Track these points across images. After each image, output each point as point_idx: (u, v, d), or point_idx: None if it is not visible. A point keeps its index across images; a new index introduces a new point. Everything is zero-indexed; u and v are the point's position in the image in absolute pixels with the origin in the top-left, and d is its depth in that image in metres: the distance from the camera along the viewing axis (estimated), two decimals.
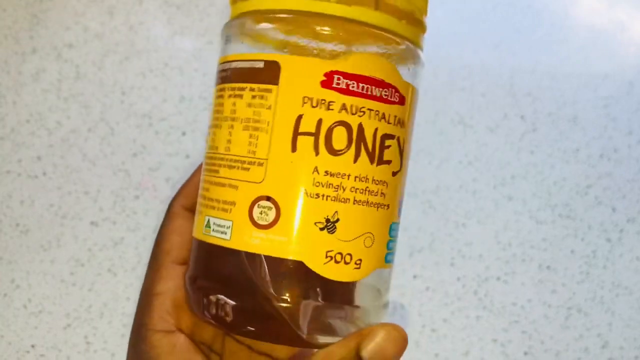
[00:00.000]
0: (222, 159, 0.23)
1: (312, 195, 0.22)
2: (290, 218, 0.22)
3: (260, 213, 0.22)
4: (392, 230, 0.25)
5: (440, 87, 0.70)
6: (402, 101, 0.24)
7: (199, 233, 0.24)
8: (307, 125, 0.22)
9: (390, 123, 0.23)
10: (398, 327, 0.24)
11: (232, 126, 0.23)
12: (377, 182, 0.23)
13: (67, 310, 0.56)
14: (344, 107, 0.22)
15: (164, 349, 0.25)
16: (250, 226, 0.22)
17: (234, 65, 0.23)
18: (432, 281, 0.58)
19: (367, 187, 0.23)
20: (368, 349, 0.23)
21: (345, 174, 0.22)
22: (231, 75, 0.23)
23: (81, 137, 0.65)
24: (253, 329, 0.23)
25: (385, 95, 0.23)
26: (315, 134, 0.22)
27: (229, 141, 0.23)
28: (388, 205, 0.24)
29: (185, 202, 0.28)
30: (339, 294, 0.24)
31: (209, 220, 0.23)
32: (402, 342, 0.23)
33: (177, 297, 0.26)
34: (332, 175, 0.22)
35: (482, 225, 0.60)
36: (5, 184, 0.62)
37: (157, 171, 0.64)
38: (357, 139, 0.22)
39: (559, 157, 0.66)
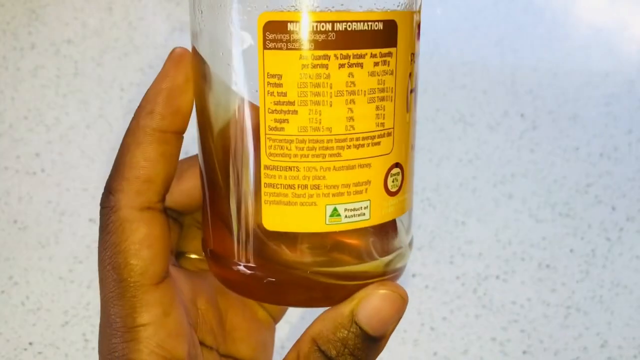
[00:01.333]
0: (342, 140, 0.21)
1: (412, 147, 0.23)
2: (408, 175, 0.23)
3: (393, 181, 0.22)
4: None
5: (440, 84, 0.70)
6: None
7: (317, 226, 0.22)
8: (412, 82, 0.22)
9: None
10: (394, 285, 0.22)
11: (352, 101, 0.21)
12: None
13: (66, 307, 0.56)
14: (417, 56, 0.23)
15: None
16: (386, 198, 0.22)
17: (342, 26, 0.20)
18: (432, 279, 0.58)
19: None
20: (364, 314, 0.21)
21: (411, 119, 0.24)
22: (341, 40, 0.20)
23: (80, 134, 0.65)
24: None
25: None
26: (414, 89, 0.22)
27: (350, 119, 0.21)
28: None
29: (137, 201, 0.22)
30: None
31: (335, 209, 0.22)
32: (400, 301, 0.22)
33: (169, 324, 0.22)
34: (412, 123, 0.23)
35: (482, 223, 0.60)
36: (4, 180, 0.61)
37: None
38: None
39: (559, 155, 0.66)
